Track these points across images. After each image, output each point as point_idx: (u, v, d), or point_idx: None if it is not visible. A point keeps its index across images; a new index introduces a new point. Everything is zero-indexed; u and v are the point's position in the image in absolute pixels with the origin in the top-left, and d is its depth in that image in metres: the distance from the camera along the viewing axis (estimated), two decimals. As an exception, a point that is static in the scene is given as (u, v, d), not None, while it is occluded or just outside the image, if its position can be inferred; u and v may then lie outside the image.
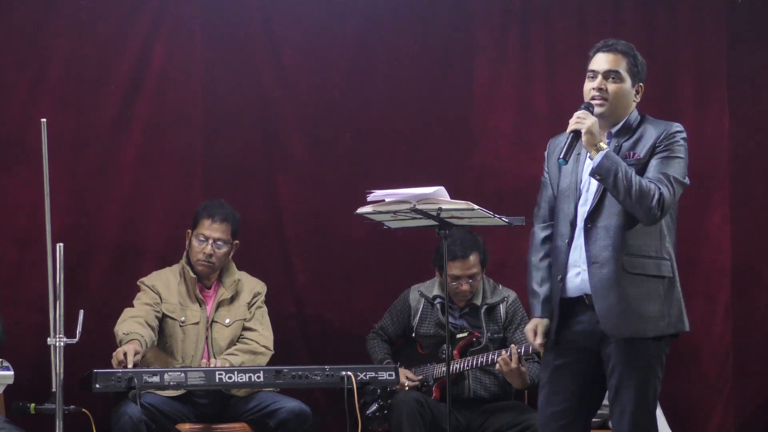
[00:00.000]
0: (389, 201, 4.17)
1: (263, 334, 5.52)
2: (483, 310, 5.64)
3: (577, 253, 4.12)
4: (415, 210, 4.13)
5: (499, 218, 4.17)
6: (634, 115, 4.19)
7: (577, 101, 5.98)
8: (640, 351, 4.06)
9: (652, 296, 4.07)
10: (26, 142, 5.71)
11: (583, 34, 6.29)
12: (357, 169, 6.13)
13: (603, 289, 4.05)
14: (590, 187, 4.14)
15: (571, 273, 4.14)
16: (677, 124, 4.17)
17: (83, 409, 4.73)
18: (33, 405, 4.65)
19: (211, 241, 5.45)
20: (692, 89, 6.34)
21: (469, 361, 5.52)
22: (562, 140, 4.21)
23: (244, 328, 5.52)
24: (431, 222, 4.24)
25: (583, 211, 4.13)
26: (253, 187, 6.11)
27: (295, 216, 6.13)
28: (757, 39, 6.41)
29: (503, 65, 6.29)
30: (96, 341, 5.31)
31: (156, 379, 4.92)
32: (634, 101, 4.19)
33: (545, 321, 4.21)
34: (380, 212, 4.20)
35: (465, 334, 5.63)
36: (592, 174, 4.05)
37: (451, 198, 4.18)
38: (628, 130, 4.17)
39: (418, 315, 5.72)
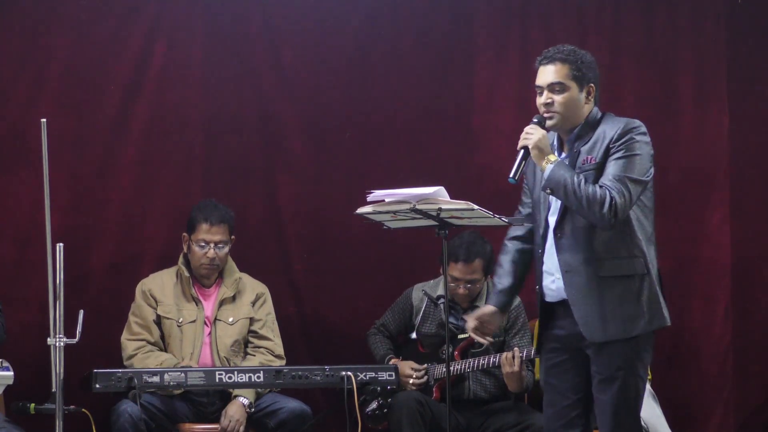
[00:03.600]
0: (389, 201, 4.16)
1: (277, 343, 5.57)
2: None
3: (551, 262, 4.15)
4: (415, 210, 4.13)
5: (499, 218, 4.17)
6: (592, 116, 4.15)
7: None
8: (617, 352, 4.07)
9: (628, 296, 4.07)
10: (26, 142, 5.71)
11: (583, 34, 6.28)
12: (357, 169, 6.12)
13: (579, 296, 4.07)
14: None
15: (547, 281, 4.17)
16: (635, 120, 4.13)
17: (83, 409, 4.73)
18: (33, 405, 4.65)
19: (212, 245, 5.46)
20: (692, 89, 6.34)
21: (470, 362, 5.52)
22: None
23: (258, 336, 5.54)
24: (431, 222, 4.24)
25: (552, 220, 4.15)
26: (253, 187, 6.11)
27: (295, 216, 6.13)
28: (757, 39, 6.41)
29: (503, 65, 6.29)
30: (96, 341, 5.30)
31: (156, 379, 4.92)
32: (586, 104, 4.14)
33: (489, 307, 4.27)
34: (380, 212, 4.20)
35: (466, 335, 5.62)
36: (543, 188, 4.07)
37: (451, 198, 4.18)
38: (586, 134, 4.13)
39: (421, 314, 5.73)
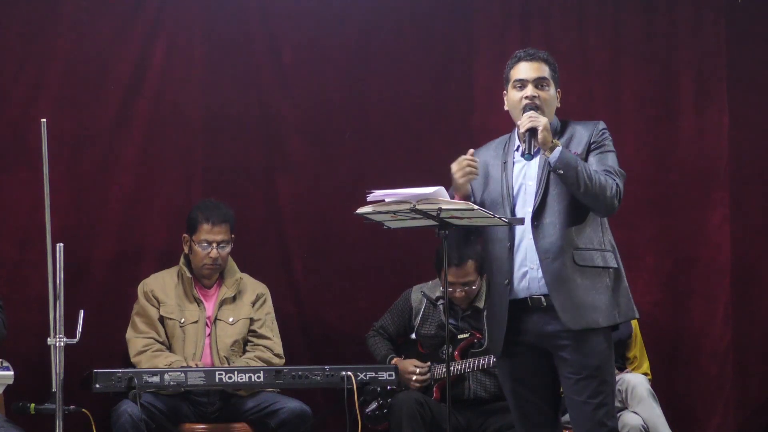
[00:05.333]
0: (389, 201, 4.17)
1: (276, 342, 5.57)
2: (485, 314, 5.63)
3: (523, 254, 4.21)
4: (415, 210, 4.14)
5: (499, 218, 4.17)
6: (555, 119, 4.30)
7: (576, 100, 6.01)
8: (595, 349, 4.14)
9: (600, 287, 4.17)
10: (26, 142, 5.71)
11: (583, 34, 6.29)
12: (357, 169, 6.13)
13: (557, 282, 4.14)
14: (527, 189, 4.24)
15: (518, 274, 4.21)
16: (601, 121, 4.29)
17: (83, 409, 4.73)
18: (33, 405, 4.65)
19: (215, 245, 5.47)
20: (692, 89, 6.34)
21: (470, 362, 5.52)
22: (484, 152, 4.35)
23: (257, 335, 5.54)
24: (431, 222, 4.24)
25: (525, 212, 4.21)
26: (253, 187, 6.11)
27: (295, 216, 6.13)
28: (757, 39, 6.41)
29: (503, 65, 6.27)
30: (96, 341, 5.30)
31: (156, 379, 4.93)
32: (557, 105, 4.31)
33: None
34: (380, 212, 4.20)
35: (466, 335, 5.62)
36: (554, 168, 4.12)
37: (451, 198, 4.18)
38: (554, 133, 4.24)
39: (420, 315, 5.72)
